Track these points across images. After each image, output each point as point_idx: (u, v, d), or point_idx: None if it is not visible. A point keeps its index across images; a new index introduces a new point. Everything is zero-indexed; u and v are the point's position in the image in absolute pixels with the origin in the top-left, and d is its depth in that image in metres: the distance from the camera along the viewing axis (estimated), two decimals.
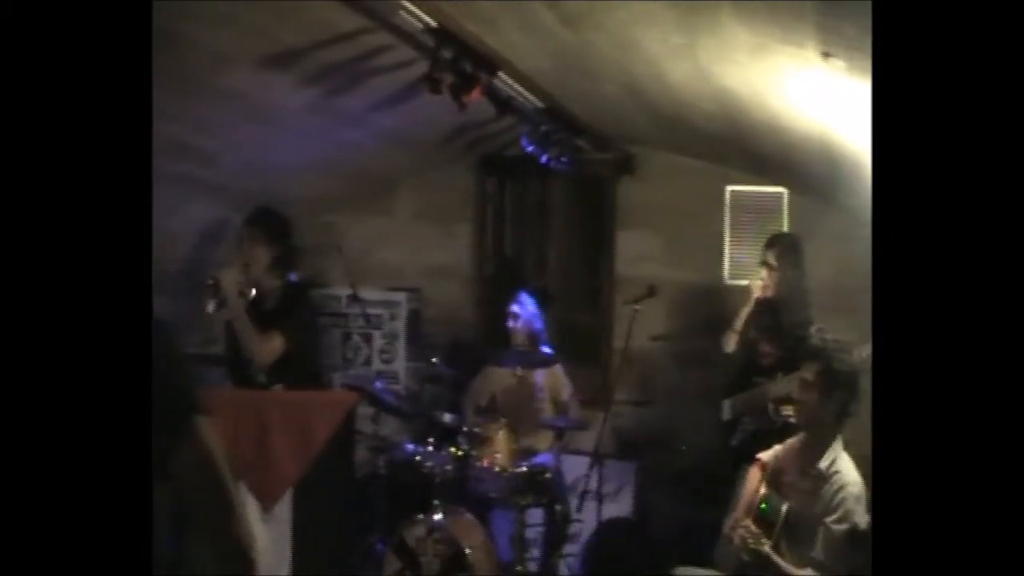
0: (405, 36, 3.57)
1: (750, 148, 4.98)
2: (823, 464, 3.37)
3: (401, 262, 6.25)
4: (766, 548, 3.32)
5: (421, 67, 3.71)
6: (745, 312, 4.70)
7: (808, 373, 3.42)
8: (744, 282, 5.39)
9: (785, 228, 5.50)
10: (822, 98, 3.27)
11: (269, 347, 4.09)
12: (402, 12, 3.17)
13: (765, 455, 3.74)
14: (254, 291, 4.29)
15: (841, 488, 3.28)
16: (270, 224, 4.32)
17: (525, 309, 5.27)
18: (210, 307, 4.08)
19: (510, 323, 5.25)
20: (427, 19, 3.25)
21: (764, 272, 4.65)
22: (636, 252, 5.95)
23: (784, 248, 4.64)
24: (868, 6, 2.34)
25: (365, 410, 4.75)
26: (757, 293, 4.66)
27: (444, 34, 3.40)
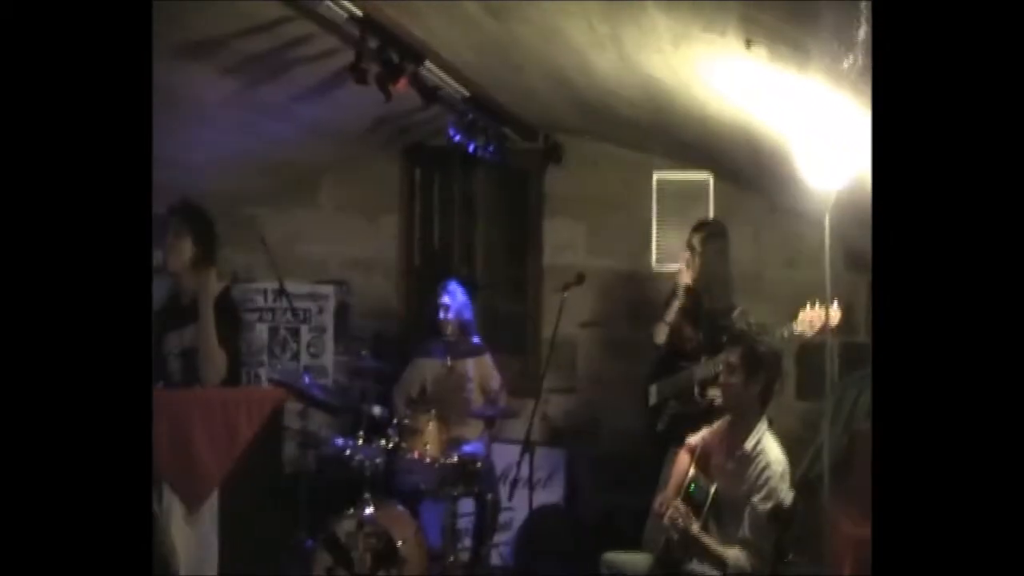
0: (328, 25, 3.52)
1: (675, 136, 5.04)
2: (748, 445, 3.44)
3: (326, 255, 6.18)
4: (695, 528, 3.38)
5: (344, 57, 3.66)
6: (676, 304, 4.76)
7: (732, 356, 3.49)
8: (672, 267, 5.47)
9: (711, 214, 5.59)
10: (745, 86, 3.33)
11: (220, 363, 3.99)
12: (327, 1, 3.12)
13: (693, 439, 3.81)
14: (174, 286, 4.19)
15: (766, 467, 3.36)
16: (191, 218, 4.21)
17: (455, 299, 5.26)
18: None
19: (440, 314, 5.23)
20: (352, 8, 3.21)
21: (688, 257, 4.71)
22: (563, 240, 5.98)
23: (709, 234, 4.72)
24: None
25: (293, 406, 4.68)
26: (684, 279, 4.73)
27: (369, 23, 3.36)
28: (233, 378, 4.23)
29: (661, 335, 4.76)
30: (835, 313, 3.92)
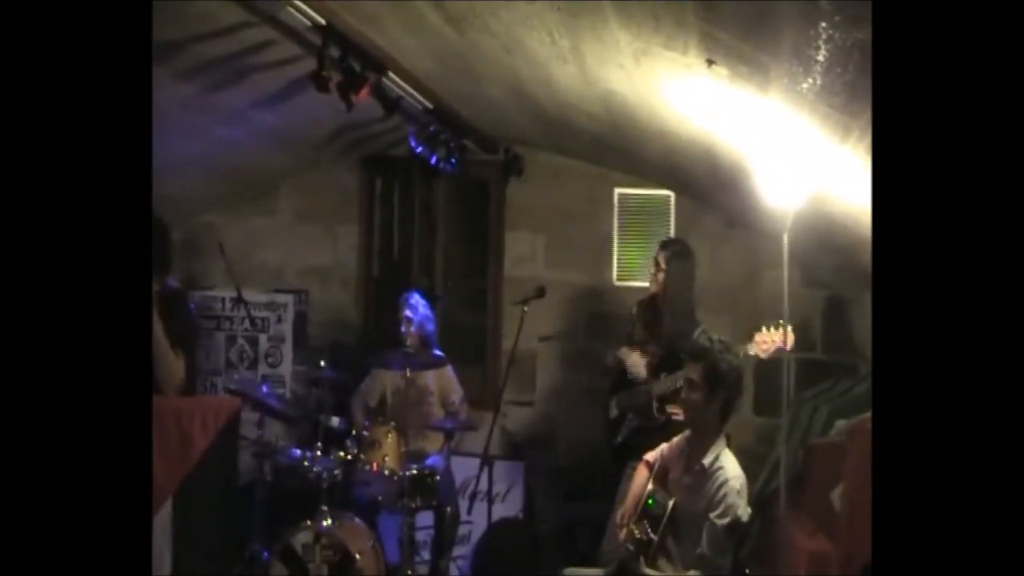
0: (289, 32, 3.50)
1: (635, 151, 5.07)
2: (707, 460, 3.46)
3: (284, 263, 6.13)
4: (653, 538, 3.39)
5: (305, 65, 3.64)
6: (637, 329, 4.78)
7: (694, 372, 3.50)
8: (633, 283, 5.50)
9: (672, 230, 5.64)
10: (705, 104, 3.36)
11: (179, 366, 3.93)
12: (288, 8, 3.10)
13: (651, 454, 3.82)
14: None
15: (724, 483, 3.38)
16: None
17: (417, 312, 5.24)
18: None
19: (403, 327, 5.19)
20: (315, 16, 3.19)
21: (653, 273, 4.74)
22: (523, 253, 5.99)
23: (674, 253, 4.74)
24: (746, 16, 2.42)
25: (250, 415, 4.63)
26: (652, 291, 4.75)
27: (332, 32, 3.35)
28: (189, 387, 4.17)
29: (638, 367, 4.72)
30: (789, 336, 3.98)
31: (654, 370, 4.63)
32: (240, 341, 5.82)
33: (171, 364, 3.88)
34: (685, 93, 3.35)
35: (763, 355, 4.11)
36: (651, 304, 4.78)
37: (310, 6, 3.11)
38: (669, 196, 5.79)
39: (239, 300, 5.27)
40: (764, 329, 4.10)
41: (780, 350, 4.03)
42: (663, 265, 4.69)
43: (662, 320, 4.71)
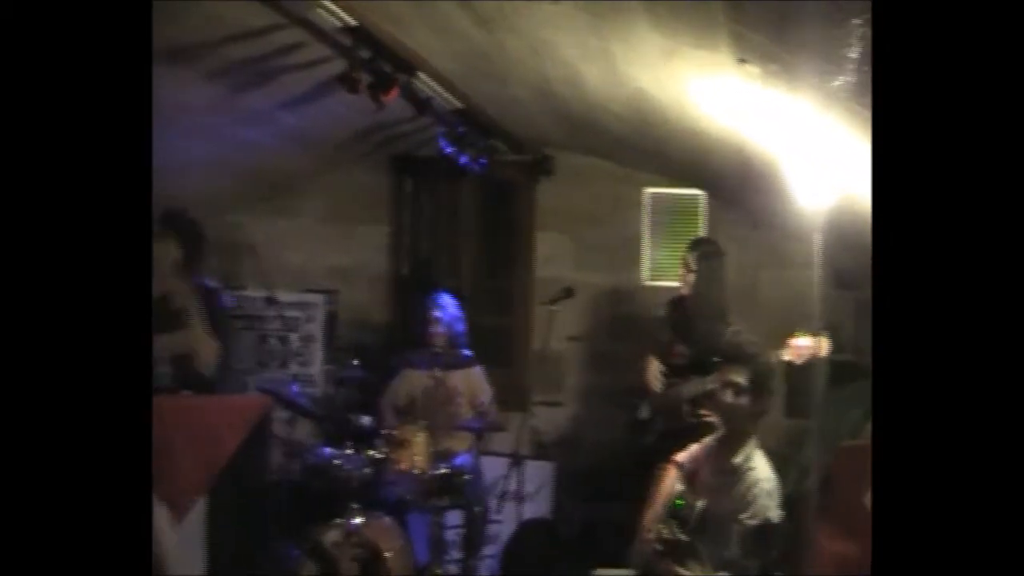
0: (319, 34, 3.52)
1: (664, 151, 5.06)
2: (737, 460, 3.44)
3: (311, 263, 6.16)
4: (682, 540, 3.38)
5: (333, 66, 3.66)
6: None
7: (730, 375, 3.48)
8: (661, 284, 5.48)
9: (702, 230, 5.61)
10: (735, 103, 3.35)
11: (213, 347, 4.02)
12: (319, 10, 3.12)
13: (681, 455, 3.80)
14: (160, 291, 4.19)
15: (754, 484, 3.36)
16: (178, 224, 4.21)
17: (447, 312, 5.25)
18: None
19: (432, 327, 5.21)
20: (346, 18, 3.21)
21: (683, 273, 4.72)
22: (551, 254, 5.99)
23: (704, 253, 4.72)
24: (777, 15, 2.41)
25: (281, 414, 4.66)
26: (682, 292, 4.73)
27: (362, 33, 3.37)
28: (221, 385, 4.23)
29: (654, 379, 4.72)
30: (825, 343, 3.93)
31: (684, 372, 4.61)
32: (271, 341, 5.86)
33: (210, 346, 3.96)
34: (715, 92, 3.33)
35: (798, 361, 4.07)
36: (681, 305, 4.76)
37: (341, 7, 3.13)
38: (699, 196, 5.77)
39: (270, 300, 5.32)
40: (799, 335, 4.07)
41: (814, 357, 3.99)
42: (693, 265, 4.67)
43: (692, 321, 4.69)
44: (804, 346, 4.01)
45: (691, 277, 4.67)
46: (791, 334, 4.08)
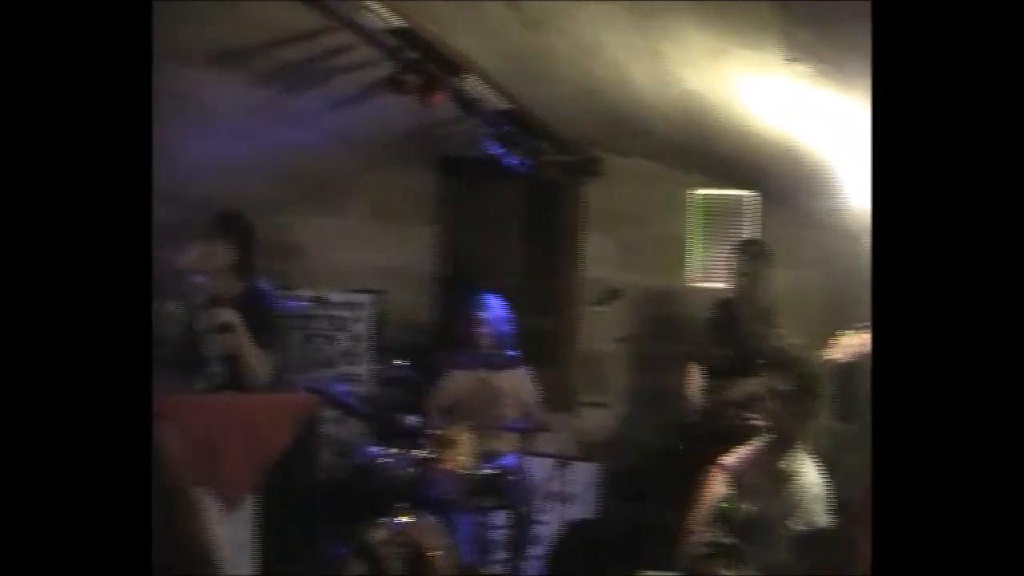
0: (366, 36, 3.55)
1: (712, 151, 5.02)
2: (785, 465, 3.39)
3: (358, 264, 6.21)
4: (728, 543, 3.34)
5: (381, 68, 3.69)
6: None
7: (774, 380, 3.44)
8: (706, 285, 5.43)
9: (748, 231, 5.55)
10: (784, 102, 3.31)
11: (265, 363, 4.06)
12: (366, 12, 3.15)
13: (728, 458, 3.77)
14: (211, 292, 4.26)
15: (803, 489, 3.31)
16: (231, 225, 4.27)
17: (493, 312, 5.26)
18: (205, 321, 4.05)
19: (478, 328, 5.22)
20: (391, 19, 3.23)
21: (730, 274, 4.68)
22: (597, 254, 5.97)
23: (751, 254, 4.68)
24: (826, 13, 2.38)
25: (329, 413, 4.71)
26: (729, 293, 4.69)
27: (409, 35, 3.39)
28: (270, 384, 4.28)
29: (693, 388, 4.70)
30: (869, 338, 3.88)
31: (730, 374, 4.57)
32: (318, 340, 5.92)
33: (259, 361, 4.01)
34: (763, 92, 3.30)
35: (845, 359, 4.01)
36: (727, 306, 4.72)
37: (388, 9, 3.15)
38: (744, 196, 5.71)
39: (318, 300, 5.37)
40: (846, 333, 4.01)
41: (862, 354, 3.93)
42: (740, 267, 4.63)
43: (738, 323, 4.65)
44: (851, 343, 3.96)
45: (737, 278, 4.63)
46: (838, 332, 4.03)
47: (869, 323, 3.82)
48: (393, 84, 3.52)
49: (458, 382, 5.39)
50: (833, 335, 4.05)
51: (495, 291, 5.56)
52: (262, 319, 4.19)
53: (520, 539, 5.05)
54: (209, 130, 4.48)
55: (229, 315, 4.03)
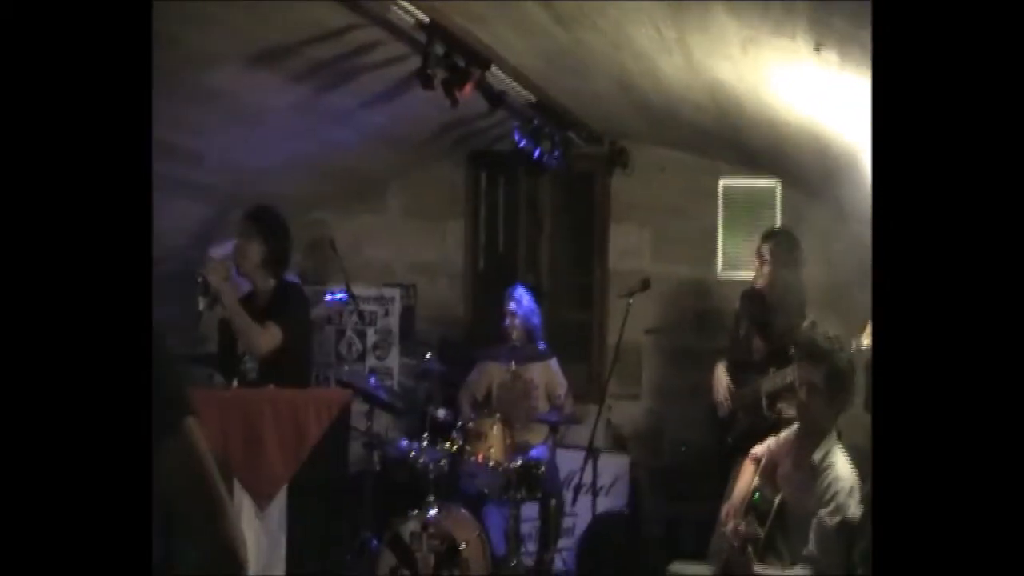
0: (395, 32, 3.57)
1: (742, 141, 4.99)
2: (816, 456, 3.37)
3: (391, 259, 6.24)
4: (760, 534, 3.33)
5: (410, 64, 3.70)
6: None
7: (807, 370, 3.41)
8: (738, 276, 5.40)
9: (778, 221, 5.51)
10: (814, 91, 3.28)
11: (267, 337, 4.09)
12: (394, 8, 3.16)
13: (758, 448, 3.75)
14: (248, 287, 4.30)
15: (834, 481, 3.29)
16: (265, 221, 4.31)
17: (521, 305, 5.27)
18: (201, 304, 4.07)
19: (507, 320, 5.24)
20: (419, 14, 3.25)
21: (758, 265, 4.64)
22: (628, 246, 5.95)
23: (778, 243, 4.64)
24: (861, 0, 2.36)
25: (359, 407, 4.75)
26: (757, 284, 4.65)
27: (436, 29, 3.40)
28: (304, 378, 4.32)
29: (720, 390, 4.69)
30: None
31: (761, 366, 4.54)
32: (349, 334, 5.97)
33: (254, 333, 4.04)
34: (793, 80, 3.27)
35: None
36: (756, 297, 4.69)
37: (415, 5, 3.17)
38: (775, 186, 5.66)
39: (349, 295, 5.41)
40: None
41: None
42: (767, 256, 4.59)
43: (768, 314, 4.62)
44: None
45: (765, 268, 4.59)
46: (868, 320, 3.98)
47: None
48: (421, 79, 3.53)
49: (489, 375, 5.41)
50: (865, 323, 4.01)
51: (526, 284, 5.57)
52: (291, 312, 4.23)
53: (550, 531, 5.06)
54: (247, 130, 4.52)
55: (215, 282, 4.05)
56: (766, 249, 4.62)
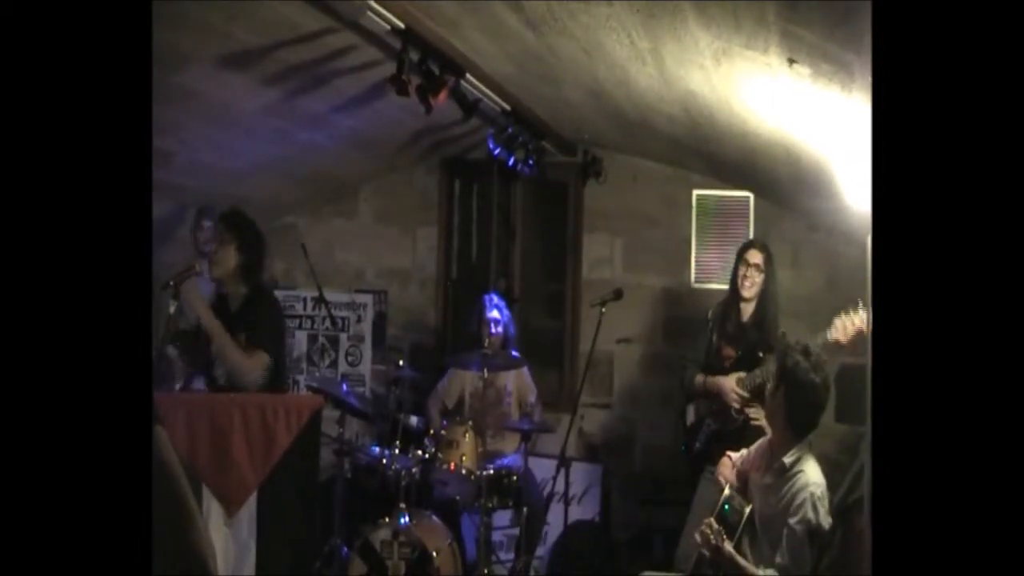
0: (369, 37, 3.56)
1: (714, 152, 5.02)
2: (788, 460, 3.39)
3: (363, 264, 6.22)
4: (728, 547, 3.34)
5: (384, 69, 3.70)
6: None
7: (776, 377, 3.44)
8: (711, 286, 5.43)
9: (751, 233, 5.55)
10: (786, 103, 3.31)
11: (254, 362, 4.04)
12: (369, 13, 3.16)
13: (729, 458, 3.76)
14: (210, 290, 4.27)
15: (803, 487, 3.32)
16: (240, 227, 4.26)
17: (504, 313, 5.29)
18: (172, 308, 4.02)
19: (491, 328, 5.23)
20: (395, 20, 3.24)
21: (745, 274, 4.65)
22: (601, 255, 5.98)
23: (768, 253, 4.68)
24: (830, 14, 2.38)
25: (331, 413, 4.73)
26: (744, 293, 4.67)
27: (411, 35, 3.39)
28: (277, 383, 4.29)
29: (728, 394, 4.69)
30: (868, 319, 3.88)
31: (731, 372, 4.57)
32: (321, 340, 5.94)
33: (243, 362, 3.99)
34: (766, 93, 3.30)
35: (843, 340, 4.01)
36: (730, 306, 4.72)
37: (390, 10, 3.16)
38: (748, 197, 5.71)
39: (320, 300, 5.39)
40: (844, 314, 4.02)
41: (860, 333, 3.94)
42: (761, 265, 4.60)
43: (741, 323, 4.65)
44: (849, 323, 3.96)
45: (759, 277, 4.60)
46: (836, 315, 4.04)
47: (867, 304, 3.83)
48: (396, 85, 3.52)
49: (461, 382, 5.40)
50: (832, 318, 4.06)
51: (499, 292, 5.58)
52: (262, 316, 4.19)
53: (523, 539, 5.06)
54: (221, 132, 4.49)
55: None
56: (760, 258, 4.63)
